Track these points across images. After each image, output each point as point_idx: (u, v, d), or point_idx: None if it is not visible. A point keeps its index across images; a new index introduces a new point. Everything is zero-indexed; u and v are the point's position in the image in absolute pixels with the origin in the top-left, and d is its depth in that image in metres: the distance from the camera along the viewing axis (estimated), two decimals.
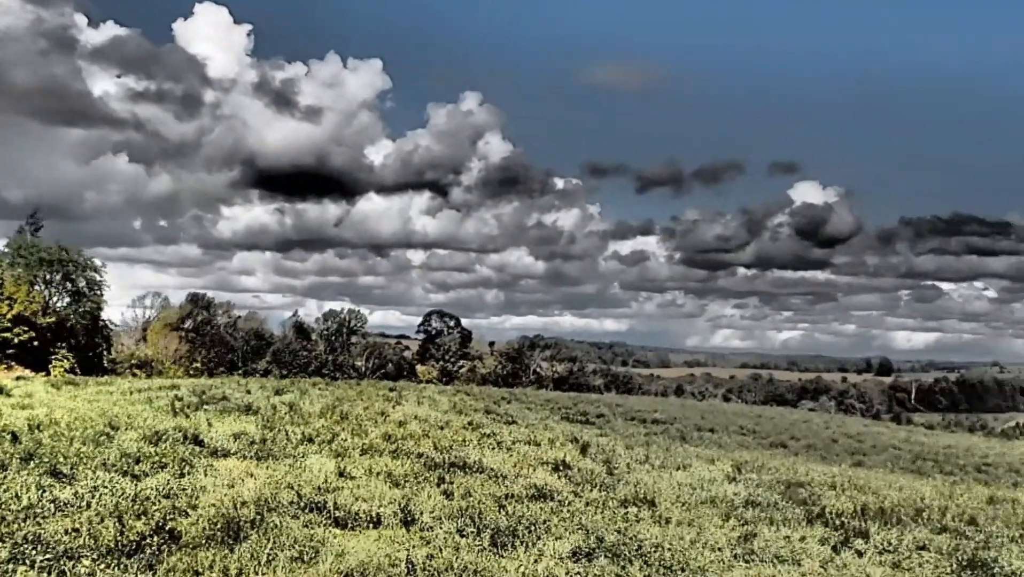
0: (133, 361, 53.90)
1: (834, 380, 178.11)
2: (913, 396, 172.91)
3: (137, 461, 11.35)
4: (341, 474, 11.88)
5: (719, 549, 9.40)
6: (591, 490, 12.24)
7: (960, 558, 9.64)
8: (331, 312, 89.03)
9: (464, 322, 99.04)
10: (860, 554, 9.78)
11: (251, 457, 12.67)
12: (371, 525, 9.53)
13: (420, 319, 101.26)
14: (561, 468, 13.84)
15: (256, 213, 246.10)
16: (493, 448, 15.54)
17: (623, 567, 8.38)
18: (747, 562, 9.05)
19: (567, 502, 11.31)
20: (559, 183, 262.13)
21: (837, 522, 11.28)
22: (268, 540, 8.37)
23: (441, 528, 9.46)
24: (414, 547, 8.59)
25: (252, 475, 11.38)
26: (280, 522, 9.08)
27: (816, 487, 14.60)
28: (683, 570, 8.44)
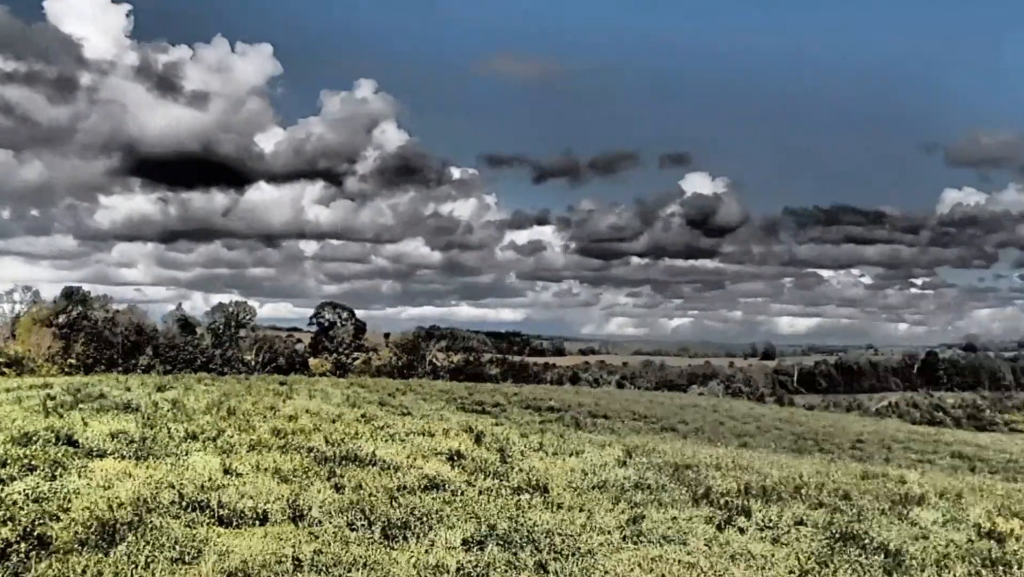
0: (1, 359, 50.93)
1: (722, 365, 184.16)
2: (795, 379, 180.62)
3: (3, 464, 10.70)
4: (226, 471, 11.51)
5: (609, 532, 9.57)
6: (484, 479, 12.25)
7: (834, 531, 10.09)
8: (219, 305, 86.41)
9: (359, 313, 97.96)
10: (742, 531, 10.11)
11: (130, 457, 12.12)
12: (257, 522, 9.27)
13: (313, 311, 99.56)
14: (455, 458, 13.80)
15: (137, 202, 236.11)
16: (387, 440, 15.37)
17: (514, 554, 8.41)
18: (635, 544, 9.24)
19: (460, 492, 11.29)
20: (456, 173, 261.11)
21: (722, 502, 11.63)
22: (146, 542, 8.04)
23: (331, 522, 9.29)
24: (301, 543, 8.40)
25: (130, 475, 10.90)
26: (160, 523, 8.74)
27: (703, 468, 15.01)
28: (573, 554, 8.54)
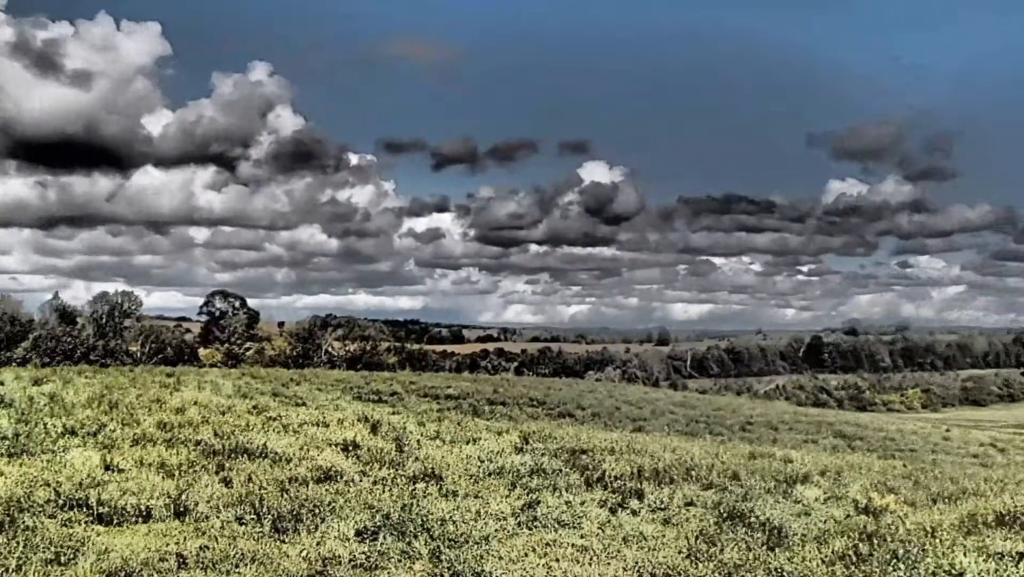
0: None
1: (618, 351, 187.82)
2: (688, 363, 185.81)
3: None
4: (107, 467, 11.01)
5: (504, 518, 9.59)
6: (380, 468, 12.10)
7: (722, 511, 10.39)
8: (102, 294, 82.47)
9: (252, 302, 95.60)
10: (635, 513, 10.31)
11: (2, 454, 11.47)
12: (140, 520, 8.92)
13: (203, 300, 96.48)
14: (350, 448, 13.59)
15: (13, 186, 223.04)
16: (279, 431, 15.00)
17: (408, 543, 8.33)
18: (530, 529, 9.29)
19: (354, 482, 11.12)
20: (353, 159, 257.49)
21: (615, 485, 11.82)
22: (18, 543, 7.61)
23: (218, 517, 9.01)
24: (186, 539, 8.11)
25: (2, 473, 10.31)
26: (34, 523, 8.30)
27: (598, 453, 15.23)
28: (467, 541, 8.52)
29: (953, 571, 7.53)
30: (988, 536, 9.34)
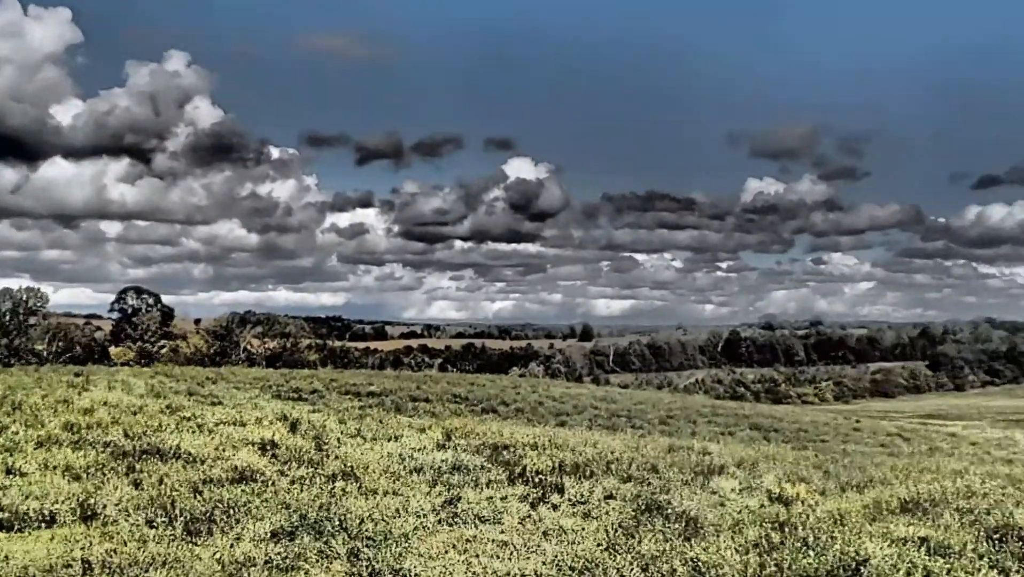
0: None
1: (542, 347, 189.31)
2: (611, 359, 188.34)
3: None
4: (9, 471, 10.57)
5: (424, 515, 9.52)
6: (298, 468, 11.89)
7: (641, 503, 10.53)
8: (5, 290, 79.04)
9: (167, 299, 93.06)
10: (555, 508, 10.36)
11: None
12: (44, 525, 8.59)
13: (115, 297, 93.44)
14: (268, 447, 13.31)
15: None
16: (194, 431, 14.60)
17: (326, 542, 8.20)
18: (451, 525, 9.25)
19: (271, 482, 10.89)
20: (275, 152, 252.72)
21: (536, 480, 11.86)
22: None
23: (127, 521, 8.73)
24: (93, 544, 7.81)
25: None
26: None
27: (520, 448, 15.26)
28: (387, 539, 8.43)
29: (859, 557, 7.78)
30: (892, 522, 9.69)
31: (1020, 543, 8.77)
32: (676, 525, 9.40)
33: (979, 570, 7.64)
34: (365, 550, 8.00)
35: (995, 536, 9.08)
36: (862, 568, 7.50)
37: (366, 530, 8.67)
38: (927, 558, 7.91)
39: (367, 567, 7.62)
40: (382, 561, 7.72)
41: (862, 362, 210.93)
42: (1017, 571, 7.75)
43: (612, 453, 15.16)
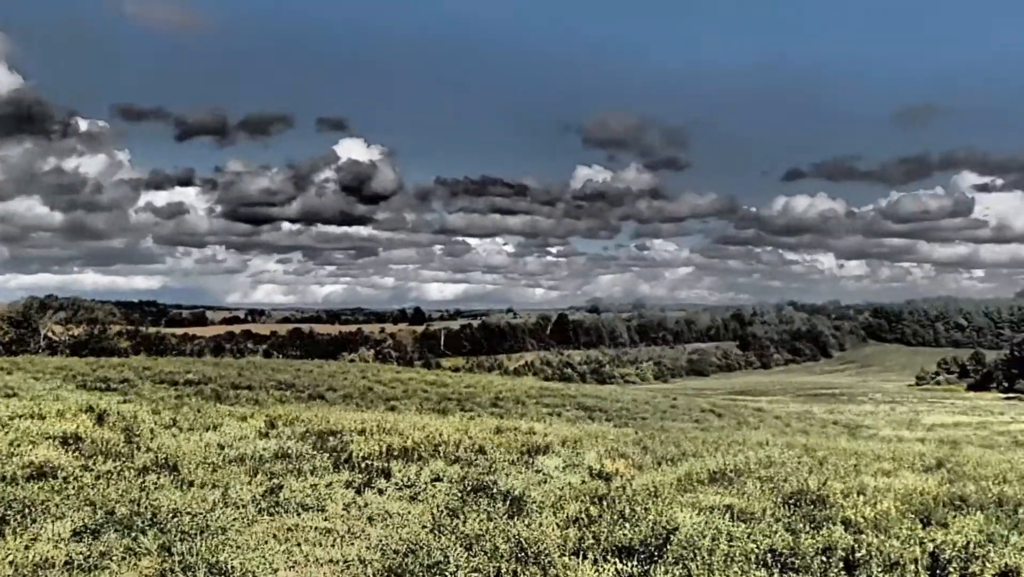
0: None
1: (373, 331, 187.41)
2: (442, 342, 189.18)
3: None
4: None
5: (243, 506, 9.19)
6: (105, 462, 11.15)
7: (467, 484, 10.63)
8: None
9: None
10: (382, 492, 10.28)
11: None
12: None
13: None
14: (71, 441, 12.41)
15: None
16: None
17: (135, 538, 7.75)
18: (272, 515, 8.98)
19: (74, 478, 10.16)
20: (83, 125, 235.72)
21: (363, 465, 11.73)
22: None
23: None
24: None
25: None
26: None
27: (347, 434, 15.03)
28: (203, 532, 8.07)
29: (670, 526, 8.20)
30: (702, 492, 10.29)
31: (811, 506, 9.57)
32: (501, 504, 9.55)
33: (775, 533, 8.24)
34: (178, 544, 7.63)
35: (791, 501, 9.86)
36: (672, 536, 7.91)
37: (180, 524, 8.27)
38: (731, 524, 8.46)
39: (180, 562, 7.26)
40: (196, 555, 7.37)
41: (680, 343, 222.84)
42: (806, 531, 8.41)
43: (441, 436, 15.21)
